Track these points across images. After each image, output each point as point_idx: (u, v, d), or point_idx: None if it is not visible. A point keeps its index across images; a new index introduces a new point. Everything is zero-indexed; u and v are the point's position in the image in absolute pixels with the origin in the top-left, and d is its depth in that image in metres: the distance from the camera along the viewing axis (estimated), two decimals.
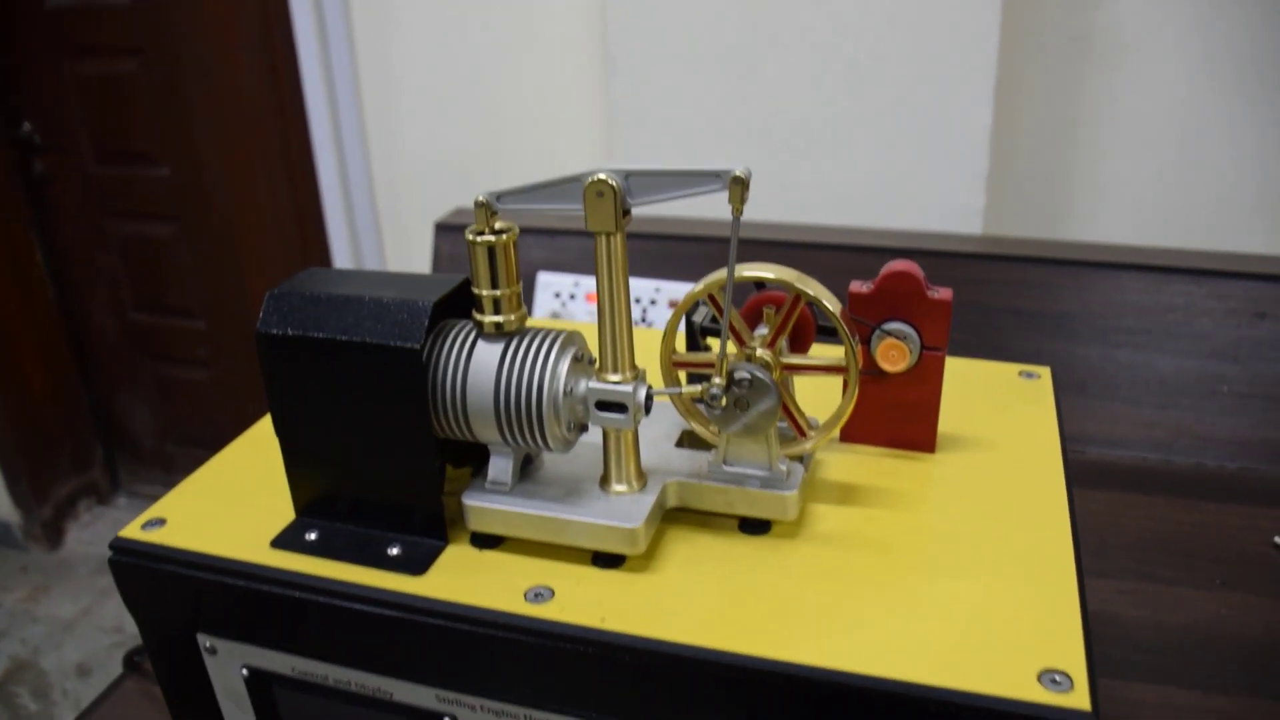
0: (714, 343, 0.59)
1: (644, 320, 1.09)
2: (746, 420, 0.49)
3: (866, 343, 0.57)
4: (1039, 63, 1.28)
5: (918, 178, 1.27)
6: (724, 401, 0.49)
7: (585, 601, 0.48)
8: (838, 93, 1.25)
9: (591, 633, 0.47)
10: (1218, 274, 1.01)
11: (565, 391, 0.49)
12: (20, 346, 2.07)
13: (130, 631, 2.02)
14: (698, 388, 0.49)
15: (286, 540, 0.54)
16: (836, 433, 0.53)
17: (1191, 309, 1.01)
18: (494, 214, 0.48)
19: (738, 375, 0.48)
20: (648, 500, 0.50)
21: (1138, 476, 0.97)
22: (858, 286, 0.57)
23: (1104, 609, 0.81)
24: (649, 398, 0.49)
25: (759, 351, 0.51)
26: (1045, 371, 0.69)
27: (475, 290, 0.49)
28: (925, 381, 0.57)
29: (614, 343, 0.48)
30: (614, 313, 0.47)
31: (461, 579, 0.51)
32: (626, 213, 0.46)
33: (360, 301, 0.50)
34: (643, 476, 0.52)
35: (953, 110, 1.22)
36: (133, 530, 0.56)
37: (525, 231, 1.17)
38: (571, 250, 1.15)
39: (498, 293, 0.49)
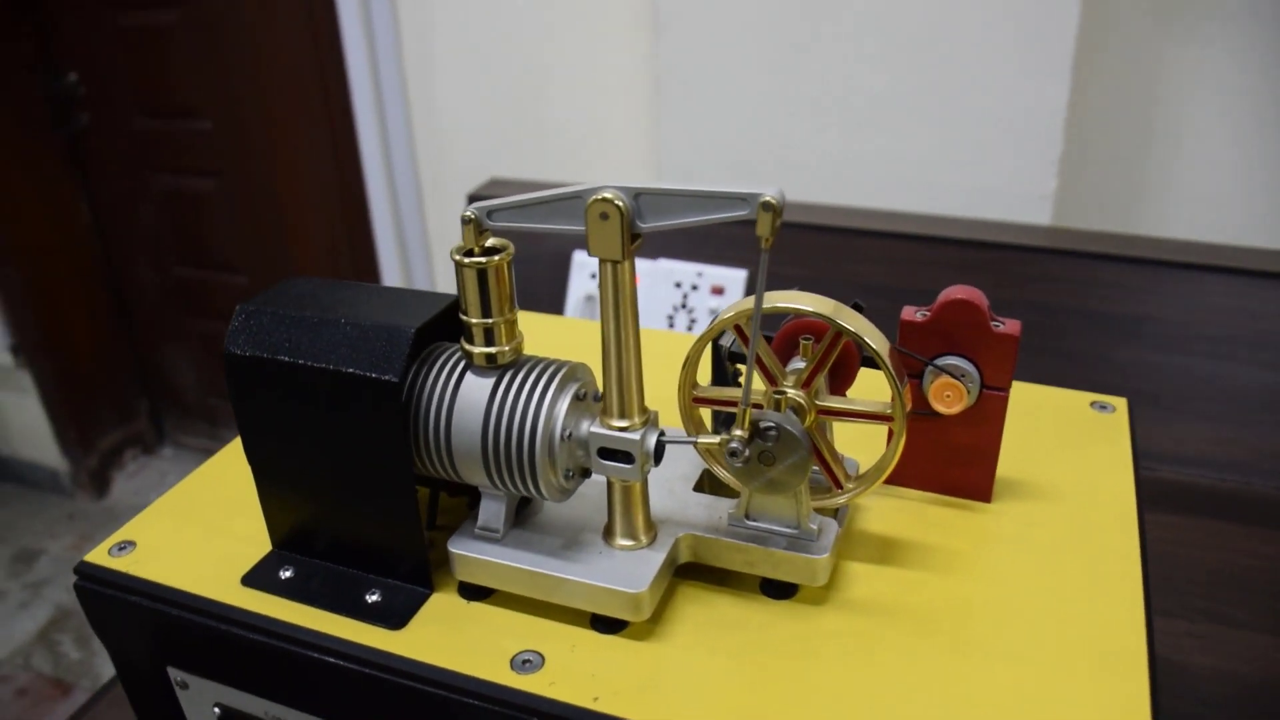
0: (743, 369, 0.52)
1: (684, 306, 1.03)
2: (772, 476, 0.42)
3: (919, 378, 0.50)
4: (1118, 34, 1.17)
5: (984, 159, 1.18)
6: (746, 454, 0.42)
7: (578, 673, 0.42)
8: (900, 63, 1.16)
9: (581, 713, 0.41)
10: None
11: (563, 435, 0.42)
12: (64, 299, 2.07)
13: None
14: (715, 439, 0.42)
15: (258, 577, 0.49)
16: (877, 486, 0.46)
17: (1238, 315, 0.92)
18: (484, 231, 0.41)
19: (763, 425, 0.41)
20: (655, 559, 0.44)
21: (1213, 501, 0.88)
22: (910, 314, 0.49)
23: (1169, 654, 0.73)
24: (660, 447, 0.43)
25: (791, 392, 0.45)
26: (1121, 404, 0.61)
27: (464, 318, 0.43)
28: (984, 424, 0.50)
29: (620, 383, 0.42)
30: (621, 349, 0.41)
31: (443, 636, 0.45)
32: (636, 237, 0.39)
33: (336, 324, 0.44)
34: (652, 528, 0.46)
35: (1026, 86, 1.12)
36: (100, 555, 0.52)
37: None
38: None
39: (490, 321, 0.43)
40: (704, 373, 0.49)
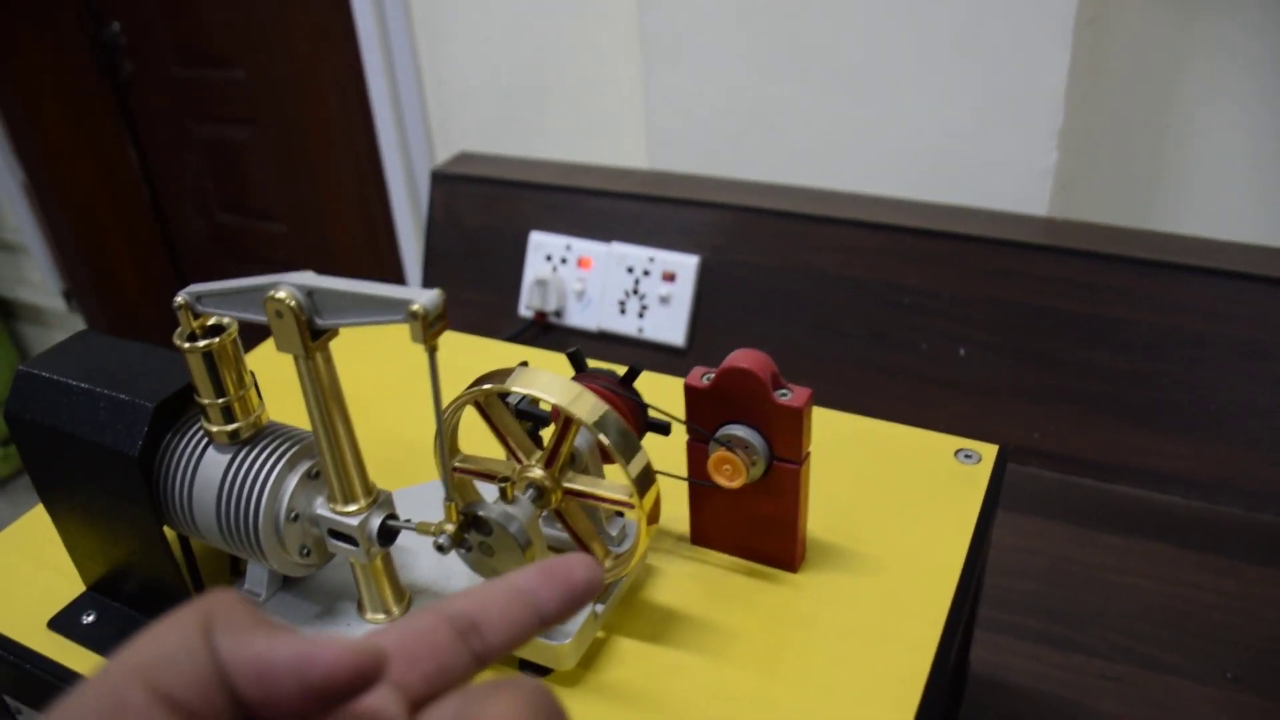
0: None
1: (635, 291, 1.00)
2: (495, 566, 0.41)
3: (707, 443, 0.47)
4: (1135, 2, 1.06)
5: (982, 129, 1.10)
6: (472, 542, 0.41)
7: None
8: (891, 26, 1.08)
9: None
10: None
11: (289, 516, 0.42)
12: (115, 244, 2.15)
13: None
14: (432, 524, 0.41)
15: (63, 621, 0.51)
16: (626, 573, 0.44)
17: (1269, 324, 0.84)
18: (199, 315, 0.40)
19: (481, 514, 0.40)
20: None
21: (1170, 523, 0.83)
22: (696, 379, 0.47)
23: (1075, 697, 0.69)
24: (385, 530, 0.42)
25: (534, 471, 0.43)
26: (989, 452, 0.57)
27: (198, 400, 0.42)
28: (780, 496, 0.47)
29: (337, 470, 0.41)
30: (330, 442, 0.40)
31: None
32: (321, 333, 0.37)
33: (93, 394, 0.44)
34: (405, 599, 0.45)
35: (1024, 52, 1.04)
36: None
37: (520, 186, 1.08)
38: (567, 209, 1.05)
39: (222, 401, 0.42)
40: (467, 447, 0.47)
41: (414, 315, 0.33)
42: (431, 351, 0.34)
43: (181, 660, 0.19)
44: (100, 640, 0.49)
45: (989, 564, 0.79)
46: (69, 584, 0.53)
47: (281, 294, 0.36)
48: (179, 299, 0.40)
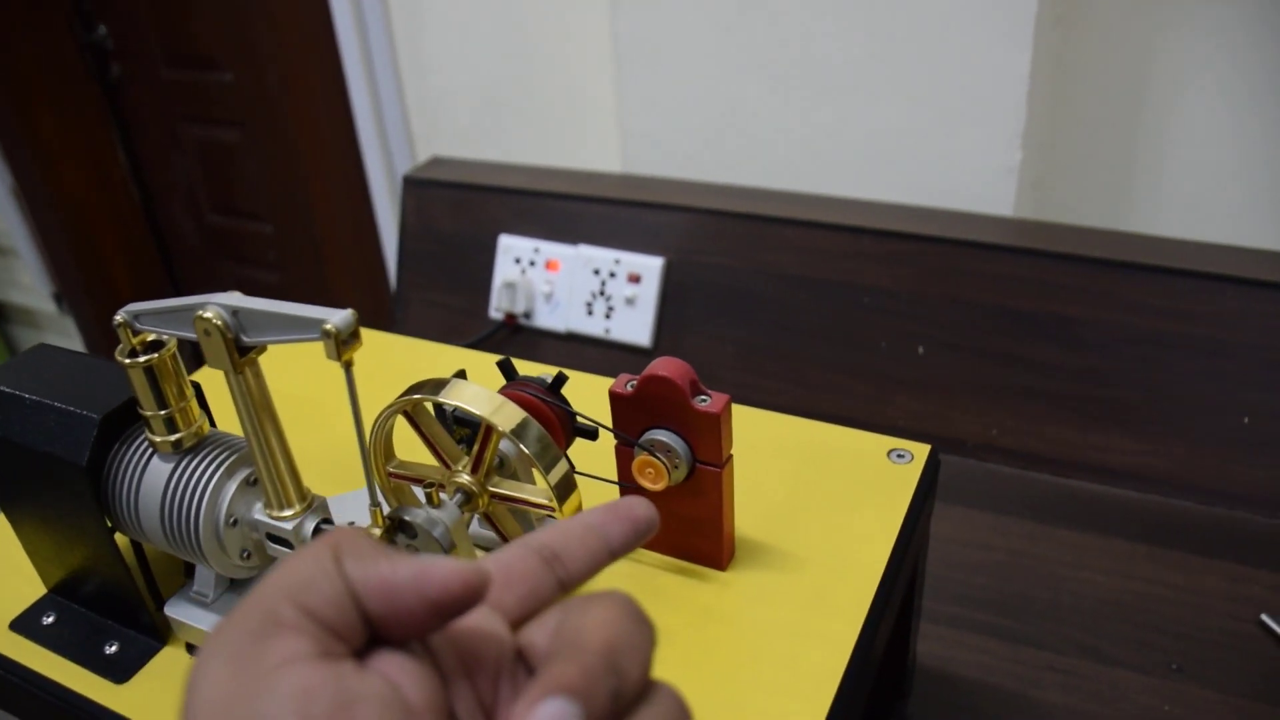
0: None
1: (602, 293, 1.02)
2: None
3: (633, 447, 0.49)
4: (1100, 4, 1.08)
5: (947, 129, 1.11)
6: (400, 545, 0.43)
7: None
8: (857, 28, 1.10)
9: None
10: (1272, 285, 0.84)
11: (229, 521, 0.44)
12: (105, 246, 2.17)
13: None
14: (362, 528, 0.43)
15: (24, 622, 0.53)
16: None
17: (1223, 322, 0.85)
18: (138, 332, 0.42)
19: (406, 518, 0.42)
20: None
21: (1125, 518, 0.84)
22: (621, 385, 0.49)
23: (1024, 690, 0.71)
24: (319, 534, 0.44)
25: (462, 476, 0.45)
26: (922, 452, 0.59)
27: (141, 412, 0.44)
28: (703, 497, 0.49)
29: (271, 478, 0.43)
30: (263, 451, 0.42)
31: (156, 695, 0.48)
32: (248, 350, 0.39)
33: (44, 406, 0.46)
34: None
35: (986, 53, 1.05)
36: None
37: (490, 190, 1.10)
38: (535, 213, 1.07)
39: (164, 412, 0.44)
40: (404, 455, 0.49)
41: (327, 334, 0.35)
42: (347, 367, 0.36)
43: (320, 583, 0.21)
44: (60, 641, 0.51)
45: (943, 558, 0.81)
46: (31, 586, 0.55)
47: (208, 313, 0.38)
48: (118, 317, 0.42)
